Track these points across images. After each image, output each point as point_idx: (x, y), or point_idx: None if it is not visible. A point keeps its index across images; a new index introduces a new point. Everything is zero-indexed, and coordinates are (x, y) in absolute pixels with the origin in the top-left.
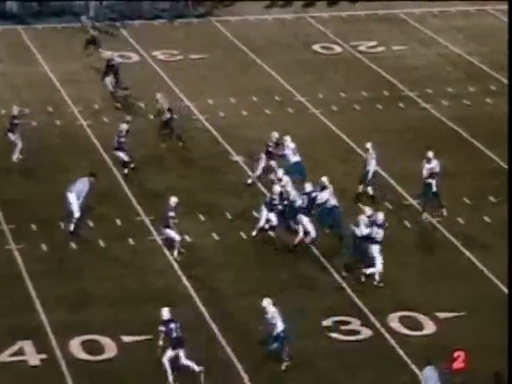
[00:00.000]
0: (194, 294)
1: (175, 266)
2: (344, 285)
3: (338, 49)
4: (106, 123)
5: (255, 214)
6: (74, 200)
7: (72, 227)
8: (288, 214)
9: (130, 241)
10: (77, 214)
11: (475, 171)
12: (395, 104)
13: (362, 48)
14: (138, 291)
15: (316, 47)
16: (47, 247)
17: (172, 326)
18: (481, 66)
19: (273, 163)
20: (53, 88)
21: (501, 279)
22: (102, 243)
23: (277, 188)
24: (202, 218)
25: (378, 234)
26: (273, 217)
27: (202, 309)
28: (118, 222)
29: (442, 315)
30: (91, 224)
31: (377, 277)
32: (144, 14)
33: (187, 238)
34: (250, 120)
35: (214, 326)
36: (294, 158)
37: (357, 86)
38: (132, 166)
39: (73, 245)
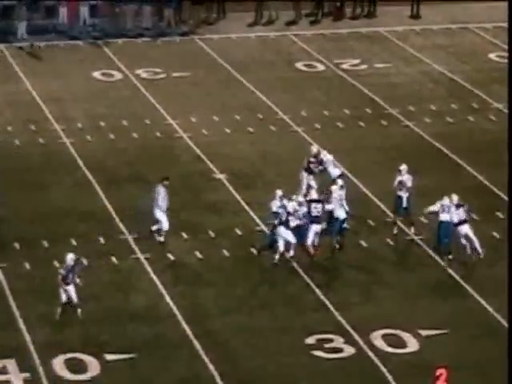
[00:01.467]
0: (177, 312)
1: (158, 283)
2: (327, 302)
3: (320, 67)
4: (89, 141)
5: (238, 231)
6: (159, 214)
7: (163, 239)
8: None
9: (113, 259)
10: (166, 226)
11: (457, 188)
12: (378, 122)
13: (344, 66)
14: (120, 309)
15: (299, 65)
16: (30, 265)
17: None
18: (463, 83)
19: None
20: (35, 106)
21: (484, 296)
22: (84, 261)
23: (293, 204)
24: (184, 235)
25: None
26: (290, 235)
27: (185, 326)
28: (101, 239)
29: (424, 333)
30: (73, 242)
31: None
32: (127, 32)
33: (170, 256)
34: (233, 138)
35: (196, 343)
36: (336, 171)
37: (339, 103)
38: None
39: (56, 263)
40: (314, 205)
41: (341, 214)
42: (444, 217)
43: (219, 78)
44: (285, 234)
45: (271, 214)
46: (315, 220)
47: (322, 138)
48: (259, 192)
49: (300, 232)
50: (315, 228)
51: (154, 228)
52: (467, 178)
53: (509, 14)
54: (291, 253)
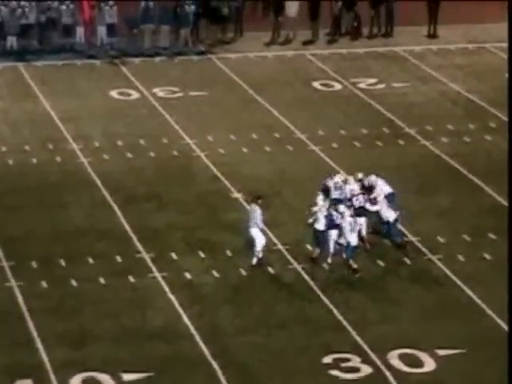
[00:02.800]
0: (195, 332)
1: (175, 303)
2: (344, 322)
3: (337, 86)
4: (106, 160)
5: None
6: (256, 232)
7: (261, 254)
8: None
9: (130, 278)
10: (263, 241)
11: (474, 208)
12: (395, 141)
13: (361, 85)
14: (137, 329)
15: (316, 84)
16: (47, 284)
17: None
18: (480, 103)
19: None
20: (53, 125)
21: (501, 316)
22: (102, 280)
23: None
24: (201, 254)
25: None
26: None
27: (202, 346)
28: (118, 258)
29: (442, 352)
30: (91, 261)
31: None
32: (144, 51)
33: (187, 274)
34: (250, 157)
35: (214, 363)
36: (389, 189)
37: (356, 123)
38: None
39: (73, 282)
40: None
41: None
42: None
43: (236, 97)
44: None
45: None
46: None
47: (339, 158)
48: (276, 211)
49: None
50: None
51: (258, 249)
52: (484, 198)
53: (509, 14)
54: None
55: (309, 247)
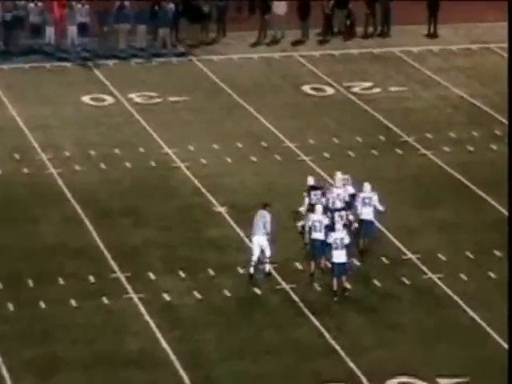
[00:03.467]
0: (174, 358)
1: (153, 327)
2: (337, 347)
3: (330, 90)
4: (78, 172)
5: (240, 270)
6: (263, 241)
7: (267, 268)
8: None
9: (104, 299)
10: (268, 253)
11: (478, 223)
12: (392, 150)
13: (356, 89)
14: (112, 355)
15: (306, 88)
16: (14, 307)
17: None
18: (484, 108)
19: None
20: (20, 133)
21: (507, 340)
22: (73, 302)
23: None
24: (182, 274)
25: None
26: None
27: (183, 374)
28: (91, 278)
29: (443, 381)
30: (61, 281)
31: None
32: (119, 53)
33: (166, 296)
34: (235, 168)
35: None
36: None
37: (351, 130)
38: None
39: (42, 304)
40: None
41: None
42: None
43: (220, 103)
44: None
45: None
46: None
47: (332, 169)
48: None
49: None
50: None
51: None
52: (489, 211)
53: (509, 14)
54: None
55: (298, 265)
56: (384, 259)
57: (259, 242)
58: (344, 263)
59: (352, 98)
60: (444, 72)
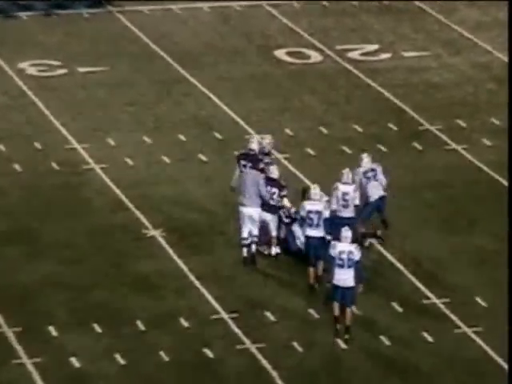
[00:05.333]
0: None
1: None
2: None
3: (315, 56)
4: None
5: (183, 321)
6: (255, 213)
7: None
8: None
9: None
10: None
11: None
12: (408, 144)
13: (354, 55)
14: None
15: (280, 54)
16: None
17: None
18: None
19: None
20: None
21: None
22: None
23: None
24: (97, 328)
25: None
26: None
27: None
28: None
29: None
30: None
31: None
32: (4, 6)
33: (74, 361)
34: (175, 170)
35: None
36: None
37: (346, 115)
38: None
39: None
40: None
41: None
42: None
43: (153, 76)
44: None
45: None
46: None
47: (319, 171)
48: (216, 258)
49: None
50: None
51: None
52: None
53: (509, 14)
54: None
55: (268, 314)
56: (396, 305)
57: (250, 214)
58: (352, 288)
59: (348, 68)
60: (483, 29)
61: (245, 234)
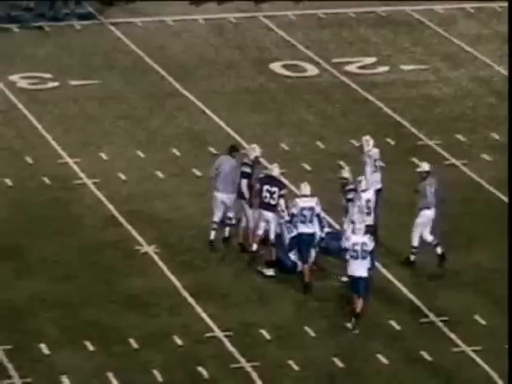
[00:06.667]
0: None
1: None
2: None
3: (311, 69)
4: None
5: (177, 339)
6: (228, 200)
7: (227, 232)
8: None
9: None
10: (232, 213)
11: None
12: (405, 159)
13: (351, 68)
14: None
15: (275, 67)
16: None
17: None
18: None
19: None
20: None
21: None
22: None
23: None
24: (89, 346)
25: None
26: None
27: None
28: None
29: None
30: None
31: None
32: None
33: (65, 379)
34: (169, 186)
35: None
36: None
37: (343, 129)
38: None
39: None
40: None
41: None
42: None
43: (146, 89)
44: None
45: None
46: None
47: (315, 187)
48: (210, 274)
49: None
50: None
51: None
52: None
53: (509, 14)
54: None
55: (264, 333)
56: (394, 323)
57: (223, 200)
58: (365, 278)
59: (345, 82)
60: (483, 41)
61: (215, 219)
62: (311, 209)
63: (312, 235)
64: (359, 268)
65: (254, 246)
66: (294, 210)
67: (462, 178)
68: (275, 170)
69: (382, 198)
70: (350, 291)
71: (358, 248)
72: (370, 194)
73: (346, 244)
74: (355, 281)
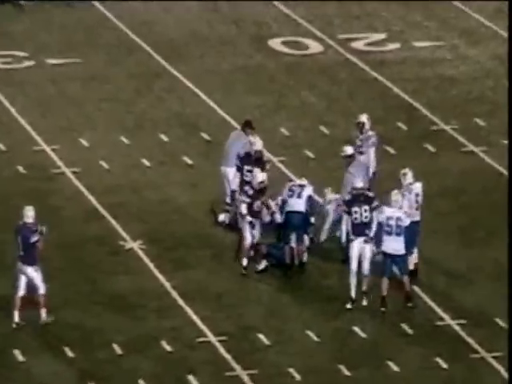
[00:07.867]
0: None
1: None
2: None
3: (315, 46)
4: None
5: (165, 345)
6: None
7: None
8: None
9: None
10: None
11: None
12: (419, 146)
13: (358, 45)
14: None
15: (275, 43)
16: None
17: None
18: None
19: None
20: None
21: None
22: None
23: None
24: (69, 353)
25: None
26: None
27: None
28: None
29: None
30: None
31: None
32: None
33: None
34: (157, 175)
35: None
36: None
37: (349, 112)
38: None
39: None
40: None
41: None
42: None
43: (132, 69)
44: None
45: None
46: None
47: (319, 176)
48: (203, 273)
49: None
50: None
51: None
52: None
53: (509, 14)
54: None
55: (262, 337)
56: (406, 327)
57: (226, 175)
58: (403, 255)
59: (352, 60)
60: (504, 16)
61: (227, 199)
62: (301, 186)
63: (299, 213)
64: (395, 245)
65: (245, 261)
66: (284, 196)
67: (481, 166)
68: (257, 144)
69: None
70: (382, 274)
71: (392, 223)
72: (418, 185)
73: (379, 217)
74: (390, 259)
